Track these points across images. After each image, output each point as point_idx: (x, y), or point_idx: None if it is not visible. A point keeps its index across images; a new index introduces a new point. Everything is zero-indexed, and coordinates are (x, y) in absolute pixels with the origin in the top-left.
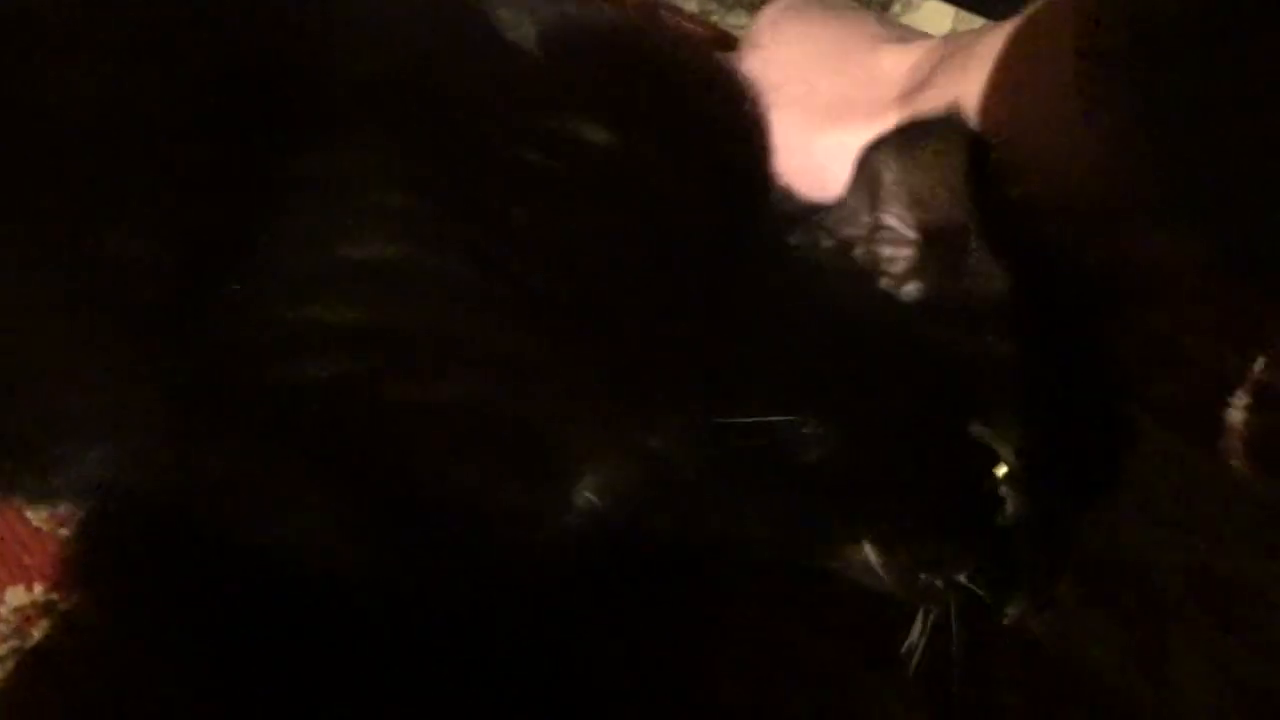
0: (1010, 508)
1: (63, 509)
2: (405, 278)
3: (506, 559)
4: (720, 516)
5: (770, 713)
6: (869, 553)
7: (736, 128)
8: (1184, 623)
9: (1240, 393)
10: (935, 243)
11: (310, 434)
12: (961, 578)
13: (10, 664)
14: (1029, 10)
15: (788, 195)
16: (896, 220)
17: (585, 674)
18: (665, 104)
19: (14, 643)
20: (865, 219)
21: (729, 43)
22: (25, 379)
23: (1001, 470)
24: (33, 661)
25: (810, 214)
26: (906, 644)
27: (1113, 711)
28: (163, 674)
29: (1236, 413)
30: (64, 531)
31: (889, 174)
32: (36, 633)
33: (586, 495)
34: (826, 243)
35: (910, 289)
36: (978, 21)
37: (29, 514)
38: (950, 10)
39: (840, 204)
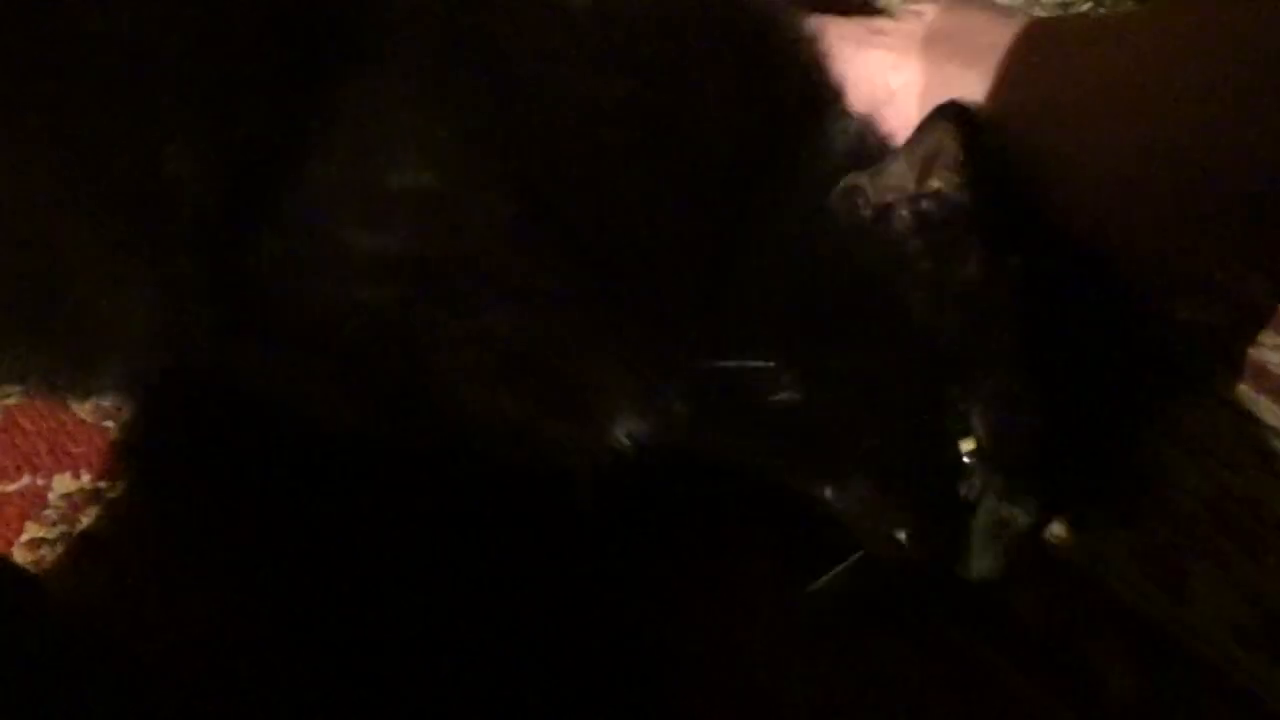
0: (976, 481)
1: (108, 402)
2: (447, 207)
3: (547, 490)
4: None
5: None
6: (830, 495)
7: (788, 75)
8: (1203, 544)
9: (1271, 329)
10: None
11: (350, 351)
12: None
13: (60, 547)
14: None
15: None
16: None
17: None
18: (709, 58)
19: (63, 528)
20: (911, 186)
21: None
22: (77, 284)
23: (970, 444)
24: (81, 544)
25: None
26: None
27: (1132, 631)
28: (201, 553)
29: (1268, 351)
30: (109, 424)
31: (951, 144)
32: (84, 519)
33: (621, 437)
34: (865, 209)
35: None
36: None
37: (74, 406)
38: None
39: (893, 163)
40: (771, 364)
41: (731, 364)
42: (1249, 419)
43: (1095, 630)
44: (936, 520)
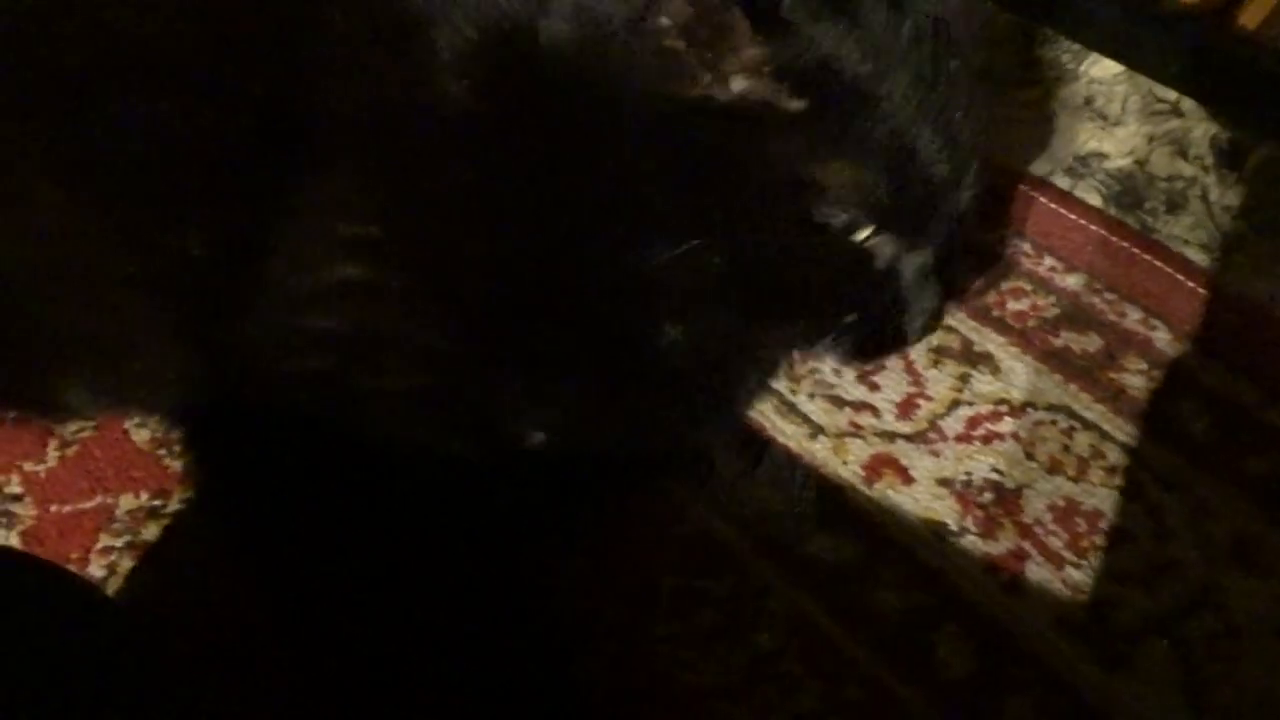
0: (882, 255)
1: (160, 433)
2: (371, 293)
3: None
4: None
5: None
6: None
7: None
8: (1044, 547)
9: (1135, 354)
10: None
11: (303, 409)
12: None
13: (127, 554)
14: None
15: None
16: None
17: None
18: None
19: (128, 537)
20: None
21: None
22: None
23: (862, 234)
24: (143, 552)
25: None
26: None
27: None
28: (230, 555)
29: (1130, 375)
30: (162, 452)
31: None
32: (145, 531)
33: (539, 436)
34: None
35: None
36: None
37: (135, 437)
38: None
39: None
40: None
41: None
42: (1105, 437)
43: (939, 622)
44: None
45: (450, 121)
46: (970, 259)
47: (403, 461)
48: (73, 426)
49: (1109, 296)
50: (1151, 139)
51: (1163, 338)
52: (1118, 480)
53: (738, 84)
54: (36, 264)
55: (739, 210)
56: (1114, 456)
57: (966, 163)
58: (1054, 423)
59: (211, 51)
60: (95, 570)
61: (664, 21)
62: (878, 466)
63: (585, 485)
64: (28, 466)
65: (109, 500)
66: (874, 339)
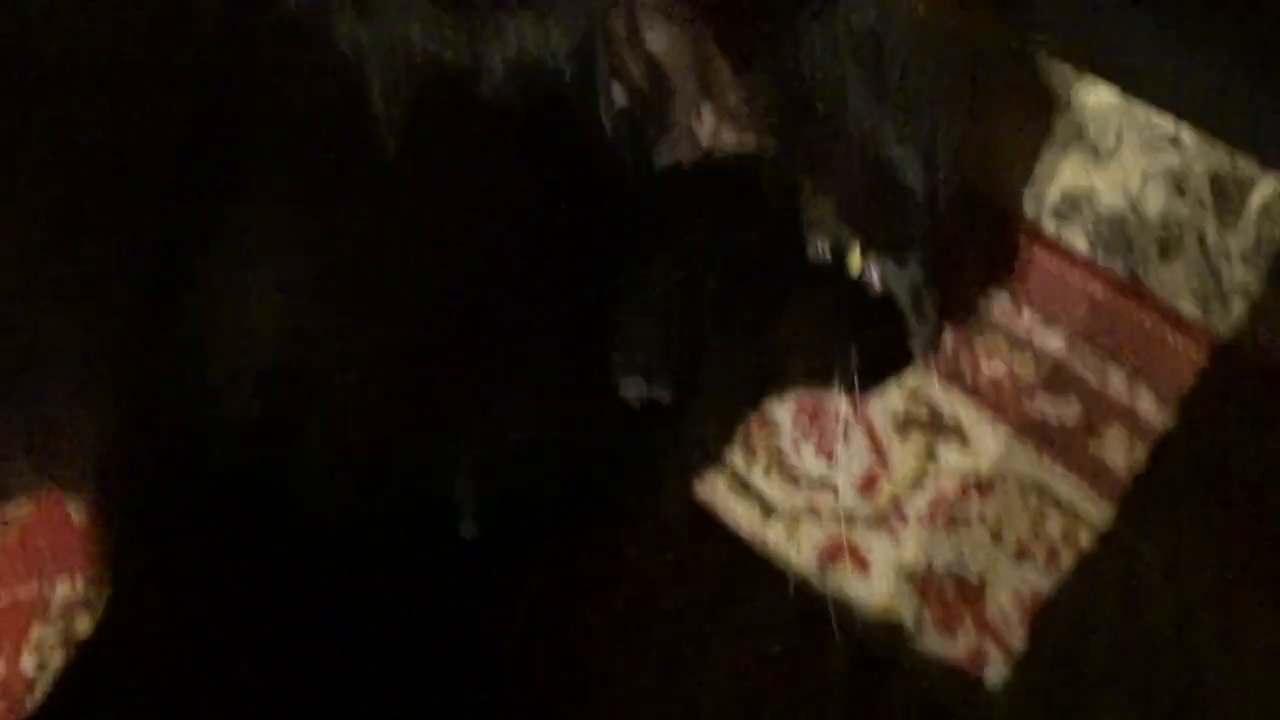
0: (876, 280)
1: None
2: (305, 327)
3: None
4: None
5: None
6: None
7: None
8: None
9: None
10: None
11: (229, 459)
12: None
13: (60, 651)
14: None
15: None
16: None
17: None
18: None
19: (61, 625)
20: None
21: None
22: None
23: (856, 260)
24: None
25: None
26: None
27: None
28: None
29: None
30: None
31: None
32: (78, 623)
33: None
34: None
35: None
36: None
37: (75, 519)
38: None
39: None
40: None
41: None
42: (1079, 519)
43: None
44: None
45: (382, 165)
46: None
47: (332, 526)
48: (15, 506)
49: (1091, 358)
50: (1146, 176)
51: (1147, 406)
52: (1091, 569)
53: (717, 132)
54: None
55: (727, 260)
56: (1087, 540)
57: (944, 171)
58: (1024, 502)
59: (135, 65)
60: (27, 664)
61: (616, 90)
62: (834, 552)
63: (523, 538)
64: None
65: (45, 588)
66: (878, 364)
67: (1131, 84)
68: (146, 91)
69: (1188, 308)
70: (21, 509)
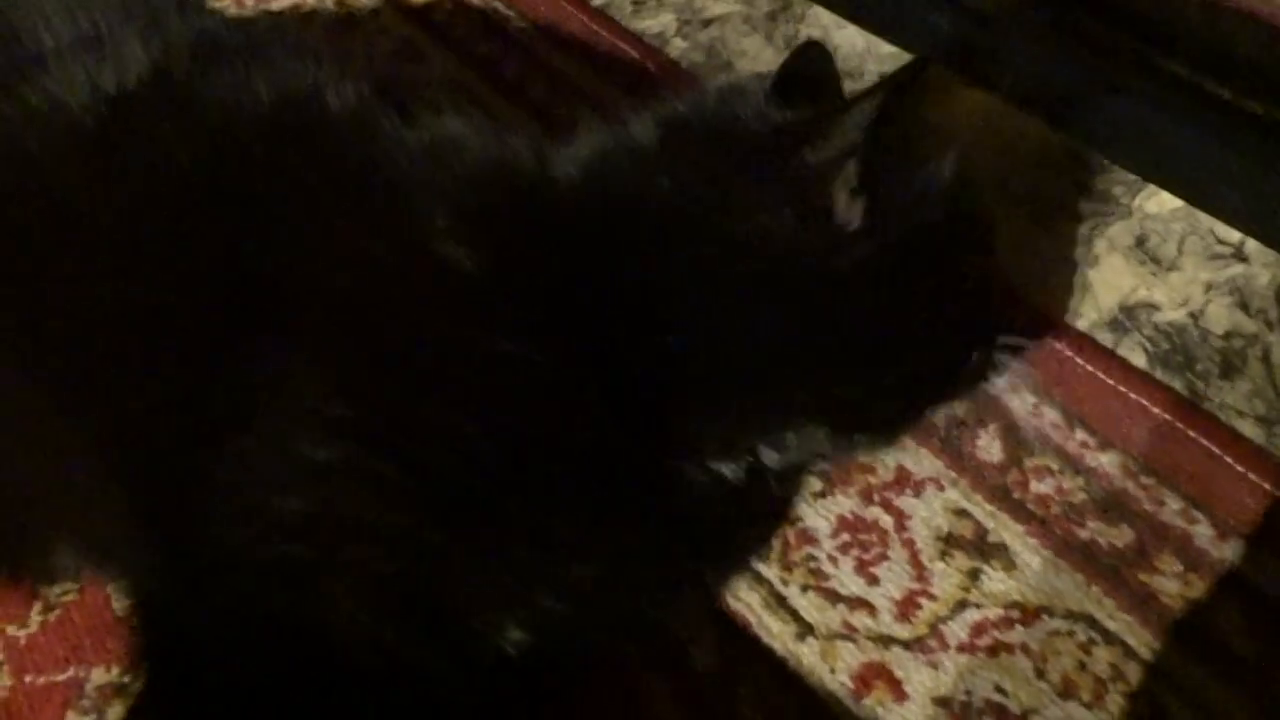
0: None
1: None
2: (342, 476)
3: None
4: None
5: None
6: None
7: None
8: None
9: (1170, 554)
10: None
11: (258, 598)
12: None
13: None
14: None
15: None
16: None
17: None
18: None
19: (93, 717)
20: None
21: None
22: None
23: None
24: None
25: None
26: None
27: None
28: None
29: (1163, 579)
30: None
31: None
32: (110, 711)
33: (512, 640)
34: None
35: None
36: None
37: (115, 604)
38: None
39: None
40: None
41: None
42: (1129, 654)
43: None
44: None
45: (447, 287)
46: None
47: (364, 672)
48: (59, 589)
49: (1146, 480)
50: (1209, 288)
51: (1204, 533)
52: (1140, 709)
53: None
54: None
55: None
56: (1137, 678)
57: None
58: (1071, 633)
59: (171, 227)
60: None
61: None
62: (869, 677)
63: (554, 683)
64: (10, 630)
65: (81, 673)
66: None
67: (1194, 192)
68: (180, 244)
69: (1251, 430)
70: (66, 595)
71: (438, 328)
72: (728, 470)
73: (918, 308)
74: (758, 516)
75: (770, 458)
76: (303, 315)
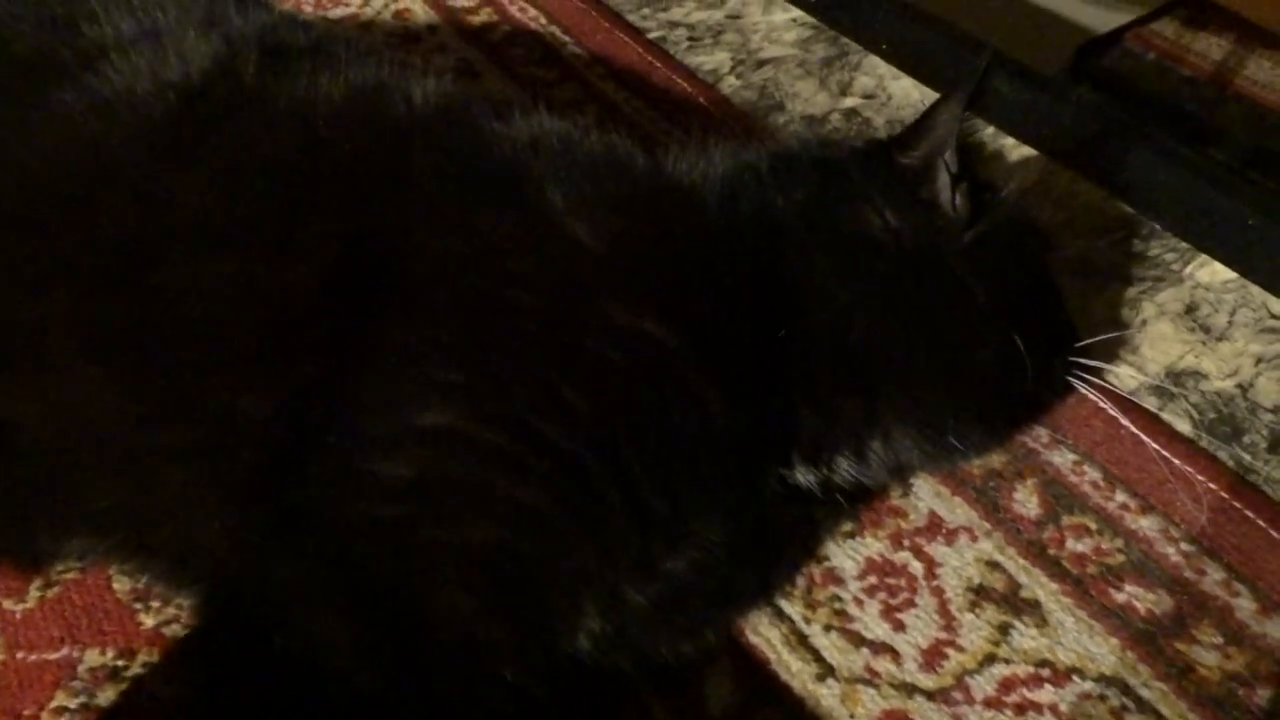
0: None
1: (140, 586)
2: (453, 442)
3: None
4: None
5: None
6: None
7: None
8: None
9: None
10: None
11: (358, 561)
12: None
13: (79, 717)
14: None
15: None
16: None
17: None
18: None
19: (83, 699)
20: None
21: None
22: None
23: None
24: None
25: None
26: None
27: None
28: None
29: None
30: (138, 606)
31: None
32: (100, 694)
33: (587, 636)
34: None
35: None
36: None
37: (115, 586)
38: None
39: None
40: None
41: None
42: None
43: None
44: None
45: (569, 260)
46: (1034, 480)
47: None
48: (60, 565)
49: (1187, 548)
50: (1260, 361)
51: (1246, 606)
52: None
53: None
54: (60, 432)
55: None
56: None
57: None
58: (1103, 698)
59: (272, 211)
60: None
61: None
62: None
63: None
64: (7, 604)
65: (75, 653)
66: None
67: (1247, 264)
68: (281, 227)
69: None
70: (67, 574)
71: (558, 298)
72: (803, 478)
73: (1015, 299)
74: (793, 542)
75: (846, 471)
76: (416, 286)
